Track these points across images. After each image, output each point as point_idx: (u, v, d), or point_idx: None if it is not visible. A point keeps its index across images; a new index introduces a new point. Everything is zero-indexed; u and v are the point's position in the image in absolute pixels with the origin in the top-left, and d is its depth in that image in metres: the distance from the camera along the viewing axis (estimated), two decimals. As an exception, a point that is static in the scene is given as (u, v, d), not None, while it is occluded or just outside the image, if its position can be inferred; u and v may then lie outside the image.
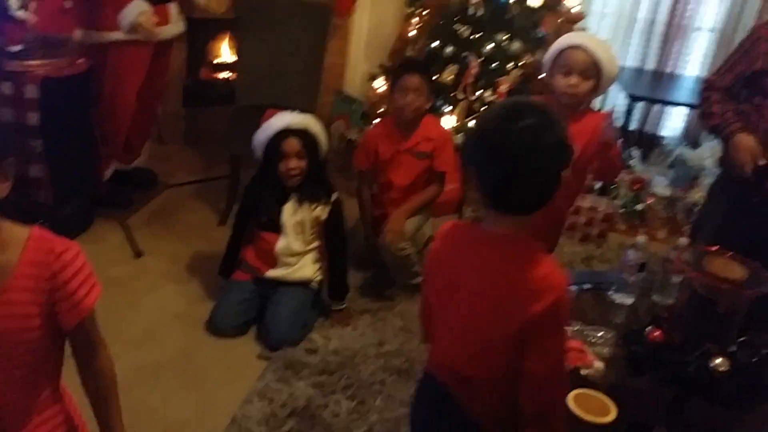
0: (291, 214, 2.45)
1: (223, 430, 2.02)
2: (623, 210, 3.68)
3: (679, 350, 1.67)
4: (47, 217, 2.52)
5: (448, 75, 3.44)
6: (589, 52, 2.07)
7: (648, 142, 4.25)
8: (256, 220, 2.53)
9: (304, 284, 2.51)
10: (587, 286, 2.14)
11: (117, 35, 2.71)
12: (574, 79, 2.08)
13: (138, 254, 2.86)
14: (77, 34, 2.74)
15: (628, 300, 2.05)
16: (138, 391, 2.12)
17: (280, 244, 2.45)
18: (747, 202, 2.26)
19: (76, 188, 2.87)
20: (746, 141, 2.15)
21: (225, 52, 4.12)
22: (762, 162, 2.13)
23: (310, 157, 2.40)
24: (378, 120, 2.88)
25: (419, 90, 2.58)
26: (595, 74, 2.08)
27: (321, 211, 2.48)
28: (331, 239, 2.54)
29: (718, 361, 1.59)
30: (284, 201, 2.45)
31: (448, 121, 3.46)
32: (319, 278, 2.57)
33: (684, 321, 1.71)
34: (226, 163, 3.27)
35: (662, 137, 4.33)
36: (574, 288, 2.09)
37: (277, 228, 2.45)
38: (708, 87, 2.33)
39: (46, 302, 1.12)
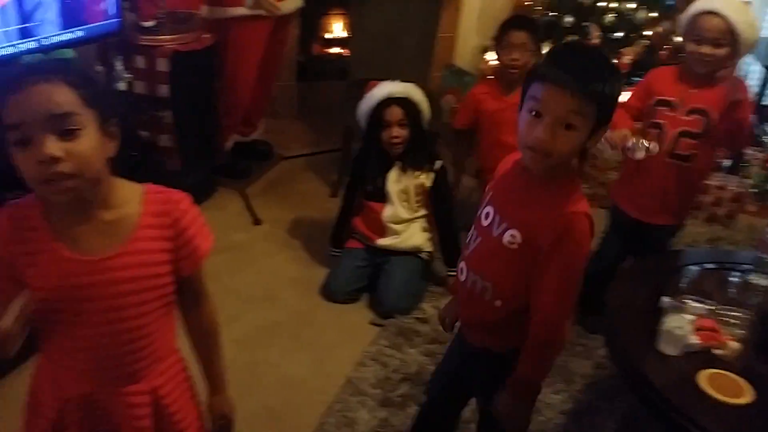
0: (395, 181, 2.49)
1: (339, 389, 2.08)
2: (755, 190, 3.44)
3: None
4: (174, 184, 2.67)
5: (566, 46, 3.32)
6: (725, 18, 1.96)
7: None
8: (363, 189, 2.58)
9: (414, 254, 2.54)
10: (710, 265, 2.03)
11: (241, 10, 2.79)
12: (705, 48, 2.00)
13: (256, 222, 2.97)
14: (203, 9, 2.85)
15: (766, 281, 1.92)
16: (258, 348, 2.24)
17: (387, 212, 2.51)
18: None
19: (201, 158, 3.02)
20: None
21: (337, 27, 4.18)
22: None
23: (412, 125, 2.43)
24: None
25: (525, 46, 2.52)
26: (730, 41, 1.99)
27: (425, 179, 2.50)
28: (439, 206, 2.54)
29: None
30: (388, 169, 2.49)
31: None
32: (429, 249, 2.58)
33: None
34: (337, 136, 3.33)
35: None
36: (696, 267, 1.98)
37: (383, 197, 2.50)
38: None
39: (171, 249, 1.17)
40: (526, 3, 3.46)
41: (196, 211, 1.21)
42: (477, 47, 3.98)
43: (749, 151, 3.59)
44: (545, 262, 1.26)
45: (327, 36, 4.21)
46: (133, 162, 2.57)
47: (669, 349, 1.61)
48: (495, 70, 2.72)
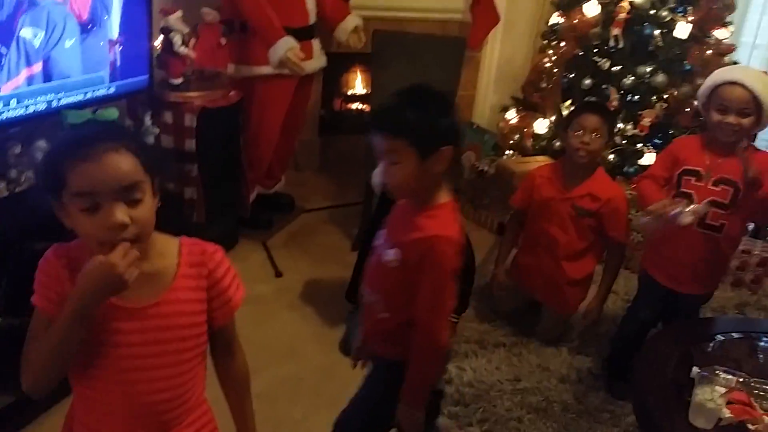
0: None
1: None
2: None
3: None
4: (199, 235, 2.69)
5: (586, 107, 3.35)
6: (748, 88, 1.97)
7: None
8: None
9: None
10: (737, 335, 1.99)
11: (266, 69, 2.85)
12: (731, 118, 2.00)
13: (278, 274, 2.98)
14: (230, 68, 2.93)
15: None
16: (281, 403, 2.23)
17: None
18: None
19: (225, 210, 3.05)
20: None
21: (358, 84, 4.26)
22: None
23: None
24: (545, 162, 2.75)
25: (598, 131, 2.34)
26: (754, 110, 2.00)
27: None
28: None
29: None
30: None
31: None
32: None
33: None
34: (358, 190, 3.35)
35: None
36: (721, 336, 1.95)
37: None
38: None
39: (207, 299, 1.22)
40: (545, 65, 3.51)
41: (229, 262, 1.26)
42: (495, 105, 4.05)
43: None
44: (418, 280, 1.42)
45: (348, 92, 4.28)
46: (159, 213, 2.61)
47: (700, 422, 1.58)
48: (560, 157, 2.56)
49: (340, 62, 3.93)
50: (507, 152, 3.71)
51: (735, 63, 3.46)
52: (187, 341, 1.20)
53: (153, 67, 2.61)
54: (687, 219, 1.99)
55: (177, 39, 2.66)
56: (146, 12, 2.49)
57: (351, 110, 4.31)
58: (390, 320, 1.54)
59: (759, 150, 2.13)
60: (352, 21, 3.15)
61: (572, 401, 2.33)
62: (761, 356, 1.88)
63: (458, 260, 1.43)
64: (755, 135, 2.62)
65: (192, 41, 2.76)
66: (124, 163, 1.06)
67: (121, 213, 1.04)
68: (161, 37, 2.68)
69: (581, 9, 3.34)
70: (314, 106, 3.94)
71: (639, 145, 3.30)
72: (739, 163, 2.01)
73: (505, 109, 3.81)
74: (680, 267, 2.18)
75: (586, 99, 3.26)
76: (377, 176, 1.44)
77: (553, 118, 3.44)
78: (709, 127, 2.11)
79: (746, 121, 2.01)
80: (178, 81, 2.73)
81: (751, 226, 3.40)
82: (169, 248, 1.21)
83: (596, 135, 2.34)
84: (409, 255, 1.43)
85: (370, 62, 3.66)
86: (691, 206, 2.02)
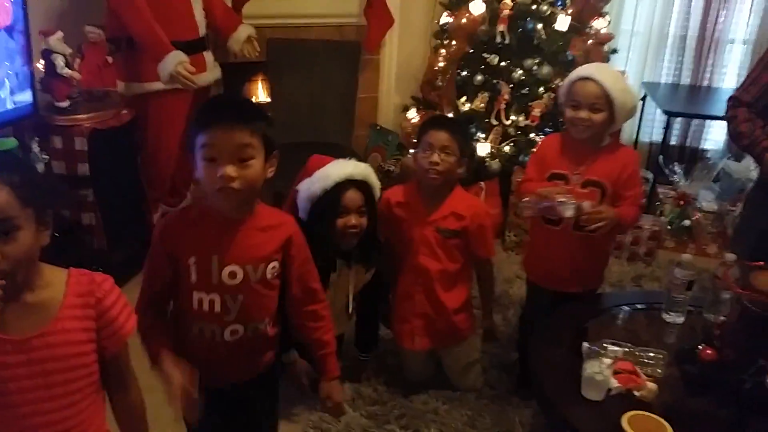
0: (336, 279, 2.13)
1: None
2: (670, 227, 3.63)
3: (733, 368, 1.63)
4: (101, 262, 2.63)
5: (480, 102, 3.47)
6: (599, 84, 2.00)
7: (690, 156, 4.20)
8: None
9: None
10: (640, 306, 2.12)
11: (158, 85, 2.80)
12: (582, 113, 2.02)
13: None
14: (120, 86, 2.86)
15: (679, 319, 2.02)
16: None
17: None
18: None
19: (127, 233, 2.97)
20: None
21: (260, 93, 4.24)
22: None
23: (369, 212, 2.07)
24: (396, 185, 2.35)
25: (448, 148, 2.10)
26: (606, 106, 2.01)
27: (367, 276, 2.21)
28: (367, 299, 2.29)
29: (775, 377, 1.55)
30: (333, 264, 2.09)
31: (483, 148, 3.48)
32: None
33: (736, 338, 1.68)
34: (266, 201, 3.32)
35: (705, 151, 4.27)
36: (625, 309, 2.08)
37: None
38: (733, 104, 2.24)
39: (94, 328, 1.22)
40: (439, 64, 3.61)
41: (117, 290, 1.27)
42: (398, 106, 4.12)
43: (661, 190, 3.81)
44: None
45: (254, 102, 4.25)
46: (56, 242, 2.53)
47: (592, 395, 1.67)
48: (416, 175, 2.26)
49: (240, 72, 3.91)
50: (411, 151, 3.78)
51: (614, 51, 3.68)
52: (75, 371, 1.20)
53: (36, 90, 2.52)
54: (569, 212, 1.98)
55: (59, 61, 2.58)
56: (24, 34, 2.41)
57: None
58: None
59: (622, 145, 2.22)
60: (244, 31, 3.13)
61: (485, 388, 2.41)
62: (646, 327, 2.01)
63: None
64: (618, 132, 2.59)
65: (77, 62, 2.68)
66: None
67: None
68: (42, 59, 2.60)
69: (468, 8, 3.44)
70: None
71: (532, 135, 3.44)
72: (603, 164, 2.06)
73: (406, 109, 3.88)
74: (560, 267, 2.17)
75: (433, 115, 3.18)
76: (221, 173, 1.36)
77: (451, 115, 3.53)
78: (566, 124, 2.12)
79: (598, 117, 2.01)
80: (65, 104, 2.65)
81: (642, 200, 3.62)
82: (56, 279, 1.20)
83: (446, 153, 2.11)
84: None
85: (268, 70, 3.67)
86: (577, 202, 1.99)
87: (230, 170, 1.32)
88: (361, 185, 2.04)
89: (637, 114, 4.17)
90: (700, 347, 1.73)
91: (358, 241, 2.07)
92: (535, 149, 2.35)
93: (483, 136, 3.50)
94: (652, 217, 3.54)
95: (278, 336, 1.64)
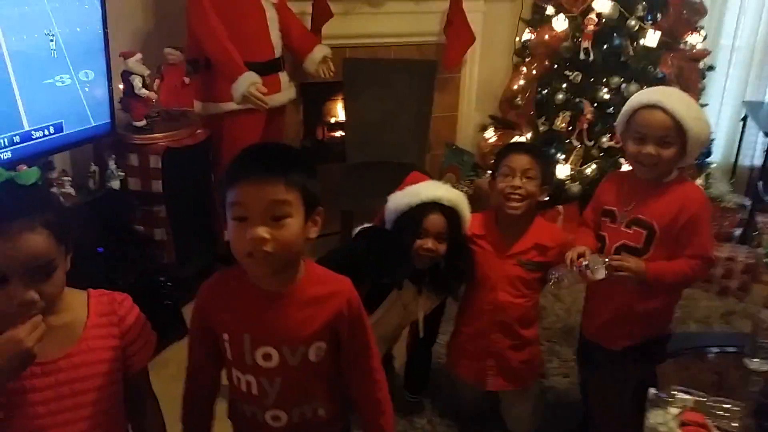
0: (396, 299, 2.05)
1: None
2: (767, 259, 3.32)
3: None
4: (170, 276, 2.70)
5: (561, 122, 3.33)
6: (669, 113, 1.71)
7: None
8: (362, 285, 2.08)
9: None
10: (715, 349, 1.92)
11: (231, 105, 2.86)
12: (649, 148, 1.74)
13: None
14: (196, 106, 2.95)
15: (765, 367, 1.81)
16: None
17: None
18: None
19: (197, 249, 3.04)
20: None
21: (340, 111, 4.27)
22: None
23: (450, 240, 1.98)
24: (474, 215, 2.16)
25: (530, 173, 1.98)
26: (677, 139, 1.73)
27: (430, 305, 2.10)
28: (424, 337, 2.18)
29: None
30: (401, 281, 2.03)
31: (563, 170, 3.34)
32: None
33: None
34: (335, 220, 3.33)
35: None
36: (708, 351, 1.89)
37: (372, 307, 2.01)
38: None
39: (119, 346, 1.23)
40: (519, 82, 3.49)
41: (138, 310, 1.28)
42: (477, 126, 4.03)
43: (760, 219, 3.50)
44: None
45: (331, 120, 4.29)
46: (129, 257, 2.63)
47: (656, 447, 1.52)
48: (493, 202, 2.11)
49: (320, 92, 3.95)
50: (488, 172, 3.68)
51: (711, 68, 3.43)
52: (101, 390, 1.21)
53: (116, 110, 2.64)
54: (599, 274, 1.77)
55: (137, 82, 2.69)
56: (105, 57, 2.53)
57: (335, 138, 4.31)
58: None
59: (688, 182, 1.91)
60: (319, 51, 3.15)
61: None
62: (724, 375, 1.82)
63: None
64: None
65: (156, 82, 2.79)
66: (38, 243, 1.07)
67: (30, 292, 1.07)
68: (123, 80, 2.72)
69: (551, 24, 3.32)
70: (296, 137, 3.95)
71: (617, 157, 3.26)
72: (659, 203, 1.79)
73: (484, 129, 3.79)
74: (599, 319, 1.97)
75: (512, 141, 2.99)
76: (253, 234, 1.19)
77: (530, 135, 3.40)
78: (628, 160, 1.88)
79: (668, 153, 1.74)
80: (142, 123, 2.76)
81: (736, 232, 3.34)
82: (76, 300, 1.22)
83: (528, 177, 1.99)
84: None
85: (345, 89, 3.69)
86: (600, 257, 1.80)
87: (261, 231, 1.13)
88: (449, 211, 1.98)
89: (737, 136, 3.87)
90: (784, 403, 1.53)
91: (435, 266, 2.02)
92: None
93: (563, 157, 3.35)
94: (747, 248, 3.26)
95: (340, 416, 1.42)
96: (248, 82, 2.76)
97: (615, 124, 1.91)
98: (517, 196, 1.98)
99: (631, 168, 1.92)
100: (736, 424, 1.56)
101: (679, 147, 1.75)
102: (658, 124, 1.73)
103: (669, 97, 1.75)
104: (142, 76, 2.69)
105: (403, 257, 1.96)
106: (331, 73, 3.25)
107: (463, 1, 3.63)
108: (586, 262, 1.78)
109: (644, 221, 1.82)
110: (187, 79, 2.87)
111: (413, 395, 2.32)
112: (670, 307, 1.99)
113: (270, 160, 1.19)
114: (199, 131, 2.90)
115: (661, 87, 1.97)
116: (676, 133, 1.72)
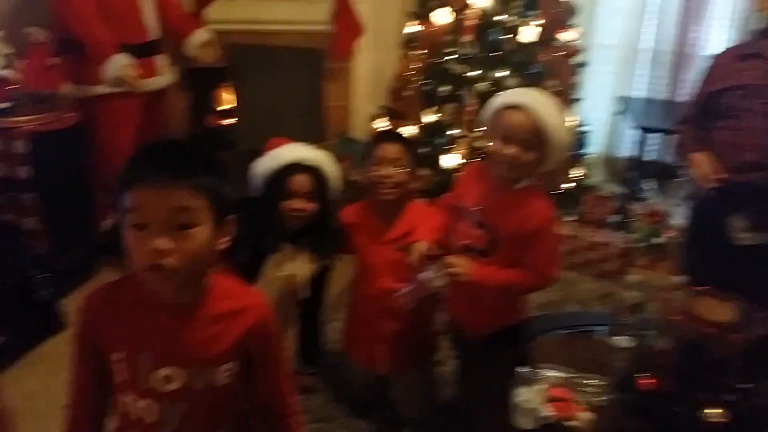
0: (277, 265, 2.06)
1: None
2: (641, 244, 3.54)
3: (671, 399, 1.54)
4: (45, 268, 2.54)
5: (446, 114, 3.39)
6: (533, 116, 1.71)
7: (665, 173, 4.11)
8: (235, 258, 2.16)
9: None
10: (584, 328, 2.02)
11: (103, 88, 2.72)
12: (511, 149, 1.72)
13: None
14: (65, 89, 2.77)
15: (626, 344, 1.92)
16: None
17: None
18: (715, 233, 2.17)
19: (74, 238, 2.88)
20: (702, 158, 2.17)
21: (230, 99, 4.16)
22: (723, 176, 2.11)
23: (320, 200, 2.02)
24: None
25: (399, 161, 2.01)
26: (538, 144, 1.72)
27: (310, 268, 2.10)
28: (311, 303, 2.20)
29: (713, 411, 1.45)
30: (275, 246, 2.05)
31: (452, 160, 3.40)
32: None
33: (675, 367, 1.58)
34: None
35: (680, 167, 4.20)
36: (564, 331, 1.98)
37: (253, 276, 2.02)
38: (682, 123, 2.30)
39: None
40: (406, 73, 3.53)
41: None
42: (370, 115, 4.04)
43: (633, 206, 3.73)
44: None
45: (219, 107, 4.17)
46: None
47: (524, 423, 1.58)
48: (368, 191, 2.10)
49: (206, 77, 3.83)
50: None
51: (583, 64, 3.61)
52: None
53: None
54: (439, 281, 1.80)
55: (-2, 61, 2.49)
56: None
57: (224, 126, 4.19)
58: None
59: (538, 194, 1.84)
60: (200, 35, 3.06)
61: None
62: (588, 351, 1.91)
63: None
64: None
65: (18, 62, 2.60)
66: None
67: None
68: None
69: (434, 17, 3.37)
70: (184, 124, 3.81)
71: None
72: (510, 211, 1.79)
73: (375, 118, 3.80)
74: (457, 309, 2.03)
75: (380, 129, 2.94)
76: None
77: (418, 125, 3.45)
78: (487, 155, 1.85)
79: (527, 157, 1.73)
80: (4, 105, 2.56)
81: (611, 218, 3.54)
82: None
83: (399, 165, 2.01)
84: None
85: (234, 76, 3.59)
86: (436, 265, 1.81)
87: (162, 243, 1.00)
88: (314, 171, 2.01)
89: (612, 128, 4.10)
90: (639, 375, 1.63)
91: (309, 227, 2.04)
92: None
93: (452, 147, 3.41)
94: (622, 234, 3.46)
95: None
96: (119, 64, 2.64)
97: (480, 119, 1.89)
98: (388, 184, 2.00)
99: (486, 163, 1.91)
100: (601, 398, 1.65)
101: (539, 152, 1.74)
102: (522, 127, 1.71)
103: (536, 100, 1.75)
104: (3, 55, 2.50)
105: (273, 220, 1.99)
106: (215, 58, 3.15)
107: (351, -9, 3.63)
108: (427, 273, 1.81)
109: (490, 226, 1.83)
110: (54, 60, 2.69)
111: (309, 366, 2.32)
112: (517, 299, 2.03)
113: (174, 161, 1.05)
114: (69, 115, 2.73)
115: (528, 89, 1.92)
116: (537, 137, 1.72)
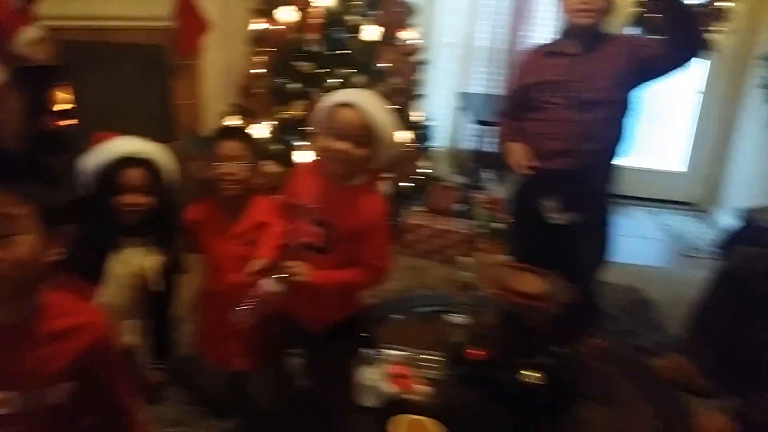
0: (122, 261, 2.00)
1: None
2: (482, 230, 3.81)
3: (495, 366, 1.71)
4: None
5: (296, 110, 3.45)
6: (363, 114, 1.80)
7: (500, 163, 4.43)
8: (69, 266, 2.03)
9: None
10: (425, 309, 2.18)
11: None
12: (342, 144, 1.80)
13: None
14: None
15: (462, 320, 2.09)
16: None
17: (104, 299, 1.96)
18: (532, 214, 2.41)
19: None
20: (517, 147, 2.37)
21: (68, 99, 3.94)
22: (534, 163, 2.33)
23: (156, 193, 1.98)
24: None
25: (242, 158, 2.04)
26: (368, 140, 1.81)
27: (158, 261, 2.05)
28: (161, 297, 2.13)
29: (529, 374, 1.64)
30: (114, 244, 1.98)
31: (304, 156, 3.46)
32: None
33: (498, 337, 1.76)
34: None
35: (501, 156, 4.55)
36: (404, 314, 2.12)
37: (94, 278, 1.95)
38: (500, 115, 2.53)
39: None
40: (255, 70, 3.55)
41: None
42: (220, 113, 4.00)
43: (475, 195, 4.00)
44: None
45: (57, 108, 3.95)
46: None
47: (368, 401, 1.69)
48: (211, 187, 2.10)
49: (44, 76, 3.61)
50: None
51: (423, 62, 3.81)
52: None
53: None
54: (275, 288, 1.85)
55: None
56: None
57: (62, 127, 3.97)
58: None
59: (372, 191, 1.95)
60: (29, 32, 2.88)
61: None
62: (428, 330, 2.07)
63: None
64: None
65: None
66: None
67: None
68: None
69: (279, 15, 3.42)
70: (18, 125, 3.56)
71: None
72: (346, 207, 1.86)
73: (226, 115, 3.78)
74: (296, 304, 1.99)
75: (223, 126, 2.90)
76: None
77: (268, 122, 3.48)
78: (320, 154, 1.93)
79: (359, 152, 1.81)
80: None
81: (455, 207, 3.78)
82: None
83: (240, 162, 2.04)
84: None
85: (71, 74, 3.42)
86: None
87: None
88: (147, 164, 1.96)
89: (452, 123, 4.35)
90: (469, 347, 1.79)
91: (149, 221, 1.98)
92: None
93: (303, 144, 3.48)
94: (465, 221, 3.71)
95: None
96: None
97: (313, 117, 1.95)
98: (230, 181, 2.03)
99: (320, 161, 1.97)
100: (438, 373, 1.80)
101: (370, 148, 1.82)
102: (353, 123, 1.79)
103: (366, 100, 1.84)
104: None
105: (108, 218, 1.93)
106: (48, 56, 2.99)
107: (196, -13, 3.58)
108: (260, 287, 1.84)
109: (328, 223, 1.89)
110: None
111: (160, 362, 2.23)
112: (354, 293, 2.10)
113: None
114: None
115: (359, 89, 2.04)
116: (368, 134, 1.80)
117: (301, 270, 1.86)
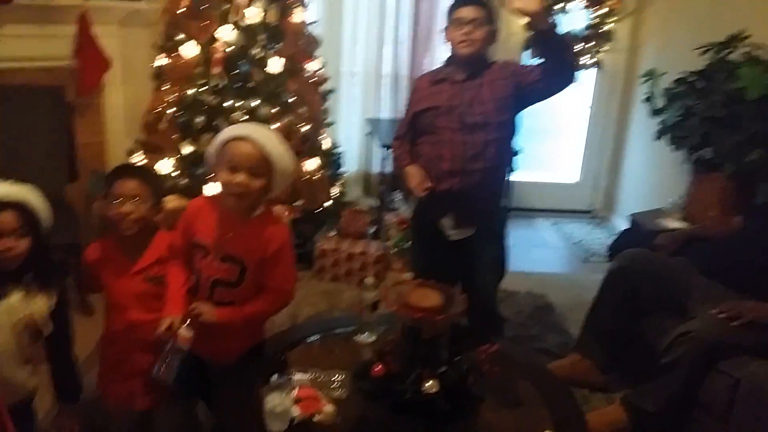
0: (5, 310, 1.89)
1: None
2: (395, 250, 3.91)
3: (399, 380, 1.78)
4: None
5: (203, 144, 3.47)
6: (258, 146, 1.85)
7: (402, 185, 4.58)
8: None
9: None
10: (336, 331, 2.24)
11: None
12: (240, 177, 1.84)
13: None
14: None
15: (369, 339, 2.16)
16: None
17: None
18: (431, 233, 2.55)
19: None
20: (413, 170, 2.48)
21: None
22: (428, 185, 2.43)
23: (31, 235, 1.88)
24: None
25: (140, 197, 2.02)
26: (265, 171, 1.87)
27: (45, 303, 1.94)
28: (56, 332, 2.04)
29: (428, 383, 1.72)
30: None
31: (213, 189, 3.47)
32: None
33: (400, 351, 1.84)
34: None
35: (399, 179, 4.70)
36: (315, 337, 2.18)
37: None
38: (395, 139, 2.66)
39: None
40: (160, 106, 3.55)
41: None
42: (127, 150, 3.96)
43: (387, 217, 4.11)
44: None
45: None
46: None
47: (276, 426, 1.71)
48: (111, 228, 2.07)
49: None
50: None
51: (330, 91, 3.92)
52: None
53: None
54: (187, 333, 1.89)
55: None
56: None
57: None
58: None
59: (273, 218, 2.02)
60: None
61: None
62: (335, 351, 2.13)
63: None
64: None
65: None
66: None
67: None
68: None
69: (182, 50, 3.44)
70: None
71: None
72: (250, 238, 1.92)
73: (131, 153, 3.75)
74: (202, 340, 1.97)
75: (120, 165, 2.65)
76: None
77: (174, 158, 3.48)
78: (218, 188, 1.95)
79: (257, 183, 1.86)
80: None
81: (371, 230, 3.88)
82: None
83: (138, 200, 2.02)
84: None
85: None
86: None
87: None
88: (19, 207, 1.86)
89: (362, 148, 4.47)
90: (372, 364, 1.86)
91: (29, 264, 1.88)
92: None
93: (211, 177, 3.49)
94: (377, 243, 3.80)
95: None
96: None
97: (206, 154, 1.98)
98: (128, 221, 2.02)
99: (218, 196, 2.00)
100: (342, 391, 1.86)
101: (266, 179, 1.89)
102: (248, 155, 1.85)
103: (258, 132, 1.90)
104: None
105: None
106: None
107: (95, 25, 3.56)
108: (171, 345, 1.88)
109: (236, 257, 1.93)
110: None
111: (67, 403, 2.12)
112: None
113: None
114: None
115: (251, 123, 2.14)
116: (264, 165, 1.86)
117: (206, 310, 1.91)
